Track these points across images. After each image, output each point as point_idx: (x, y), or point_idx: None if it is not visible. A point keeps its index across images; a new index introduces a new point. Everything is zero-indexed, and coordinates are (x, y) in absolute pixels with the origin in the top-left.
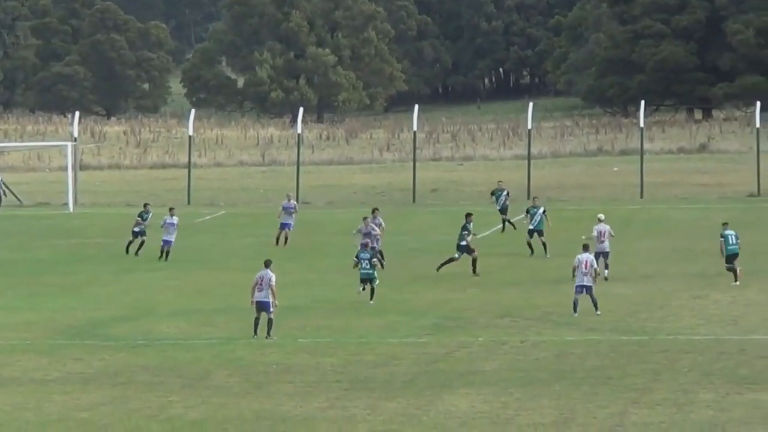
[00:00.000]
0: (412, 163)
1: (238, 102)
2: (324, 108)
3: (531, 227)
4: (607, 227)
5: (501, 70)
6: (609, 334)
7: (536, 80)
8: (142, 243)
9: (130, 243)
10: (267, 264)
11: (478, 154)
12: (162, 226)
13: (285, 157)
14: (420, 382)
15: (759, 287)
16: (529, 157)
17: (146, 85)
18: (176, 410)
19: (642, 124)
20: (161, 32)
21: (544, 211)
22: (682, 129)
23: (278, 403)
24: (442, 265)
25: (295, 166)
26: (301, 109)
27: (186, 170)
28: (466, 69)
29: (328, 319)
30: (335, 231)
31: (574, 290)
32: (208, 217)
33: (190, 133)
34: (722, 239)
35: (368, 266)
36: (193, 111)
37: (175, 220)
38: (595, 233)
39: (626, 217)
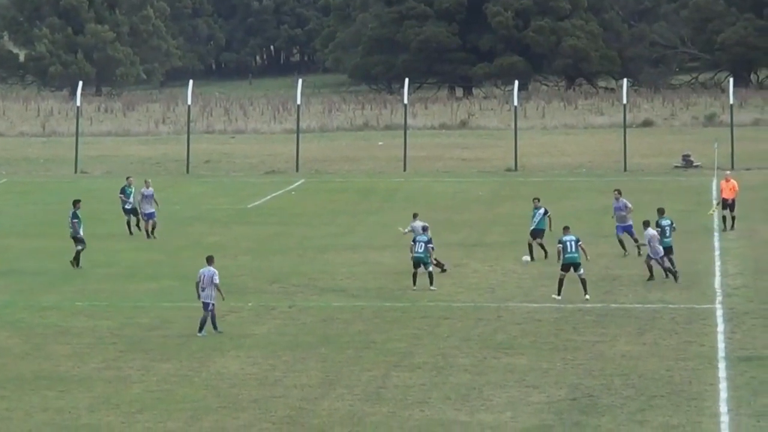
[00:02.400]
0: (186, 136)
1: (20, 75)
2: (102, 81)
3: (532, 227)
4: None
5: (272, 47)
6: (373, 300)
7: (305, 58)
8: (138, 219)
9: (128, 223)
10: (209, 261)
11: (250, 128)
12: (140, 201)
13: (65, 129)
14: (192, 345)
15: (515, 257)
16: (298, 131)
17: None
18: None
19: (406, 101)
20: None
21: (546, 212)
22: (444, 106)
23: (56, 363)
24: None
25: (74, 137)
26: (80, 83)
27: None
28: (239, 46)
29: (104, 283)
30: (111, 199)
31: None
32: None
33: None
34: (560, 245)
35: (422, 249)
36: None
37: (151, 191)
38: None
39: (390, 189)
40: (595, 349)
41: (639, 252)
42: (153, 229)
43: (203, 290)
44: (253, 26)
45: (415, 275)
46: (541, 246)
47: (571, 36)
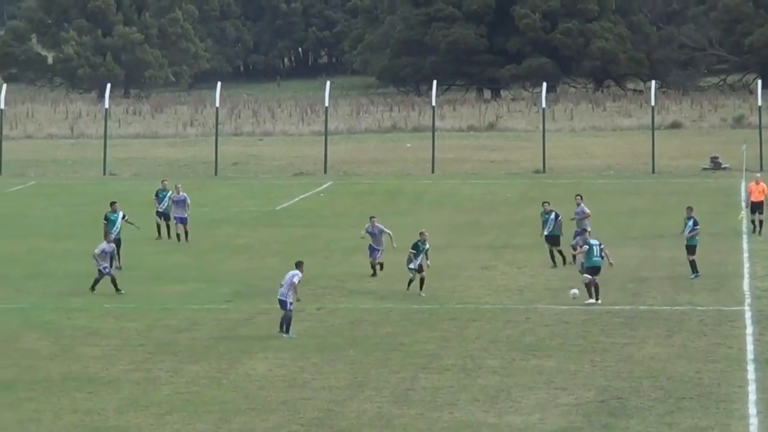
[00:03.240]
0: (214, 138)
1: (48, 78)
2: (131, 84)
3: (545, 233)
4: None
5: (300, 49)
6: (401, 302)
7: (334, 60)
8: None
9: (158, 226)
10: (297, 265)
11: (278, 130)
12: (171, 205)
13: (93, 131)
14: (221, 347)
15: (543, 259)
16: (326, 133)
17: None
18: None
19: (434, 103)
20: None
21: (557, 216)
22: (472, 108)
23: (85, 365)
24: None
25: (103, 139)
26: (109, 85)
27: None
28: (267, 48)
29: (132, 285)
30: (140, 202)
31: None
32: (19, 187)
33: (2, 106)
34: (587, 247)
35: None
36: (4, 86)
37: (183, 196)
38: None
39: (418, 191)
40: (624, 351)
41: (567, 261)
42: (186, 234)
43: (280, 286)
44: (281, 28)
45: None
46: (560, 252)
47: (600, 38)
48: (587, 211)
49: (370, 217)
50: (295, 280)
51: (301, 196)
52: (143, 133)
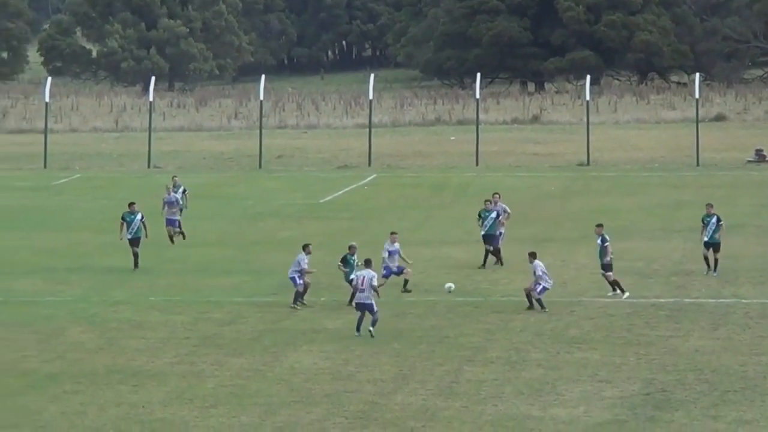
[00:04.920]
0: (258, 131)
1: (93, 71)
2: (175, 77)
3: (482, 233)
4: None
5: (344, 42)
6: (445, 295)
7: (377, 53)
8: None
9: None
10: (367, 263)
11: (322, 123)
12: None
13: (137, 124)
14: (265, 340)
15: (587, 251)
16: (370, 126)
17: (5, 54)
18: (32, 365)
19: (478, 96)
20: (19, 3)
21: (498, 216)
22: (516, 101)
23: (130, 358)
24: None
25: (147, 133)
26: (153, 78)
27: (43, 135)
28: (311, 41)
29: (177, 278)
30: None
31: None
32: (63, 180)
33: (47, 99)
34: (607, 244)
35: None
36: (49, 79)
37: (174, 197)
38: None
39: (462, 184)
40: (669, 343)
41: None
42: (181, 234)
43: (362, 292)
44: (325, 21)
45: None
46: (494, 253)
47: (643, 31)
48: (509, 210)
49: (391, 233)
50: (375, 282)
51: (345, 189)
52: (187, 126)
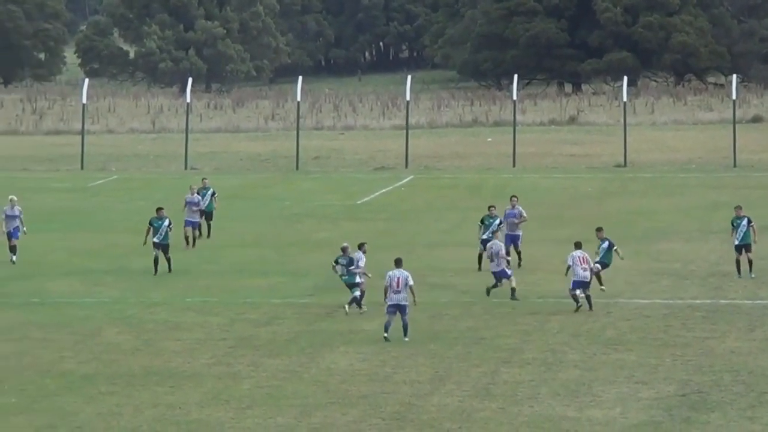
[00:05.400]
0: (295, 132)
1: (130, 72)
2: (212, 78)
3: (482, 236)
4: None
5: (381, 44)
6: (482, 296)
7: (414, 54)
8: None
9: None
10: (398, 263)
11: (359, 124)
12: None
13: (174, 125)
14: (301, 341)
15: (624, 253)
16: (407, 128)
17: (42, 55)
18: (69, 365)
19: (515, 97)
20: (57, 4)
21: (500, 223)
22: (553, 102)
23: (166, 359)
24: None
25: (184, 134)
26: (190, 79)
27: (80, 136)
28: (348, 43)
29: (213, 279)
30: (221, 196)
31: (572, 285)
32: (100, 181)
33: (84, 101)
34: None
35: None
36: (86, 80)
37: (197, 198)
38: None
39: (499, 185)
40: (705, 345)
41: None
42: (200, 235)
43: (397, 293)
44: (363, 23)
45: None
46: (480, 258)
47: (680, 32)
48: (525, 214)
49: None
50: (410, 282)
51: (382, 191)
52: (224, 127)
